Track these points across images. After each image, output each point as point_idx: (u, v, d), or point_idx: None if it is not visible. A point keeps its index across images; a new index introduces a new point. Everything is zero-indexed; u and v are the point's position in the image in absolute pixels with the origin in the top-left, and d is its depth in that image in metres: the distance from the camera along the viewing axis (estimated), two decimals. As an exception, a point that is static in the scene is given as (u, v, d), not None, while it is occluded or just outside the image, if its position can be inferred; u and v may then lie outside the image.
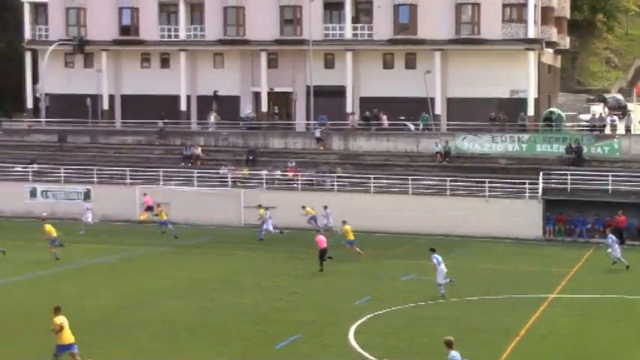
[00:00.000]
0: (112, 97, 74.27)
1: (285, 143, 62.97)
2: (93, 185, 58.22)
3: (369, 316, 30.67)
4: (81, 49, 71.09)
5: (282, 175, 57.52)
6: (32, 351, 25.62)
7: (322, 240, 39.82)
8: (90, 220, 52.30)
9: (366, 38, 69.13)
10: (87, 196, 57.85)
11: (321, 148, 61.55)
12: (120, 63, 74.73)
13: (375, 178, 54.63)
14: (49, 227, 42.03)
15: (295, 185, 56.12)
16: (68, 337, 23.46)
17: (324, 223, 50.92)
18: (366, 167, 58.03)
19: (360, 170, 57.29)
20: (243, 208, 54.60)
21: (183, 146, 62.36)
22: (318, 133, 62.07)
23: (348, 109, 68.07)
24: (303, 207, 51.75)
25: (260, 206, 50.98)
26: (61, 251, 41.95)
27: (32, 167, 60.23)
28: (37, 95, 74.19)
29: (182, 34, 72.52)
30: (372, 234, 50.94)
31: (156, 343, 26.82)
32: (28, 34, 75.47)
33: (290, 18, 70.46)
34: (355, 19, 69.89)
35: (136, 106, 71.92)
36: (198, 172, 57.84)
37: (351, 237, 42.98)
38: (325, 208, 51.55)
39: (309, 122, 66.13)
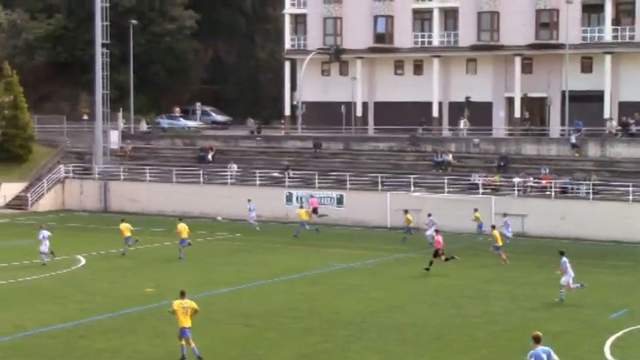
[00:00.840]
0: (365, 104, 75.70)
1: (537, 150, 61.49)
2: (345, 191, 59.40)
3: (626, 329, 29.27)
4: (337, 57, 73.01)
5: (534, 182, 56.21)
6: (287, 351, 26.39)
7: (439, 240, 40.53)
8: (253, 220, 54.89)
9: (627, 40, 66.48)
10: (339, 201, 59.14)
11: (577, 154, 59.61)
12: (374, 70, 76.05)
13: (634, 186, 52.20)
14: (181, 226, 43.99)
15: (548, 193, 54.65)
16: (182, 320, 24.36)
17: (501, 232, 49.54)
18: (624, 175, 55.61)
19: (617, 178, 55.00)
20: (494, 215, 53.80)
21: (435, 153, 62.37)
22: (573, 139, 60.18)
23: (606, 115, 65.65)
24: (475, 210, 51.39)
25: (406, 211, 51.03)
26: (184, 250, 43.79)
27: (288, 173, 62.32)
28: (295, 103, 76.83)
29: (435, 41, 72.76)
30: (628, 244, 48.77)
31: (405, 347, 26.88)
32: (287, 44, 78.37)
33: (546, 22, 69.01)
34: (615, 21, 67.34)
35: (389, 112, 72.87)
36: (448, 179, 57.65)
37: (499, 243, 42.94)
38: (504, 215, 50.15)
39: (564, 128, 64.28)
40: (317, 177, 60.79)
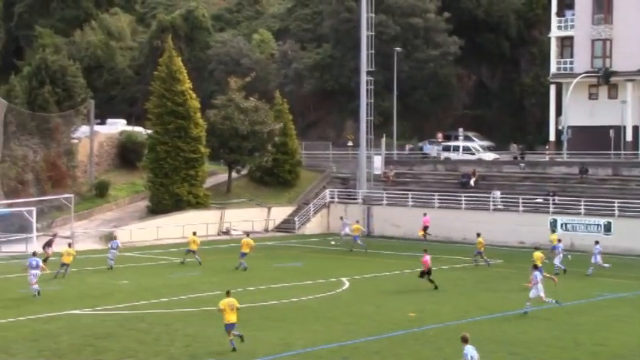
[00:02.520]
0: (635, 129, 72.67)
1: None
2: (613, 218, 57.20)
3: None
4: (606, 80, 70.73)
5: None
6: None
7: (427, 260, 41.42)
8: (347, 232, 59.72)
9: None
10: (607, 228, 57.02)
11: None
12: (645, 93, 72.94)
13: None
14: (244, 241, 48.26)
15: None
16: (228, 317, 27.67)
17: None
18: None
19: None
20: None
21: None
22: None
23: None
24: (597, 242, 48.10)
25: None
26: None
27: (553, 199, 60.86)
28: (560, 127, 75.02)
29: None
30: None
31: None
32: (553, 68, 76.82)
33: None
34: None
35: (661, 137, 69.64)
36: None
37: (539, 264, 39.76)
38: (596, 243, 47.58)
39: None
40: (583, 203, 58.97)
